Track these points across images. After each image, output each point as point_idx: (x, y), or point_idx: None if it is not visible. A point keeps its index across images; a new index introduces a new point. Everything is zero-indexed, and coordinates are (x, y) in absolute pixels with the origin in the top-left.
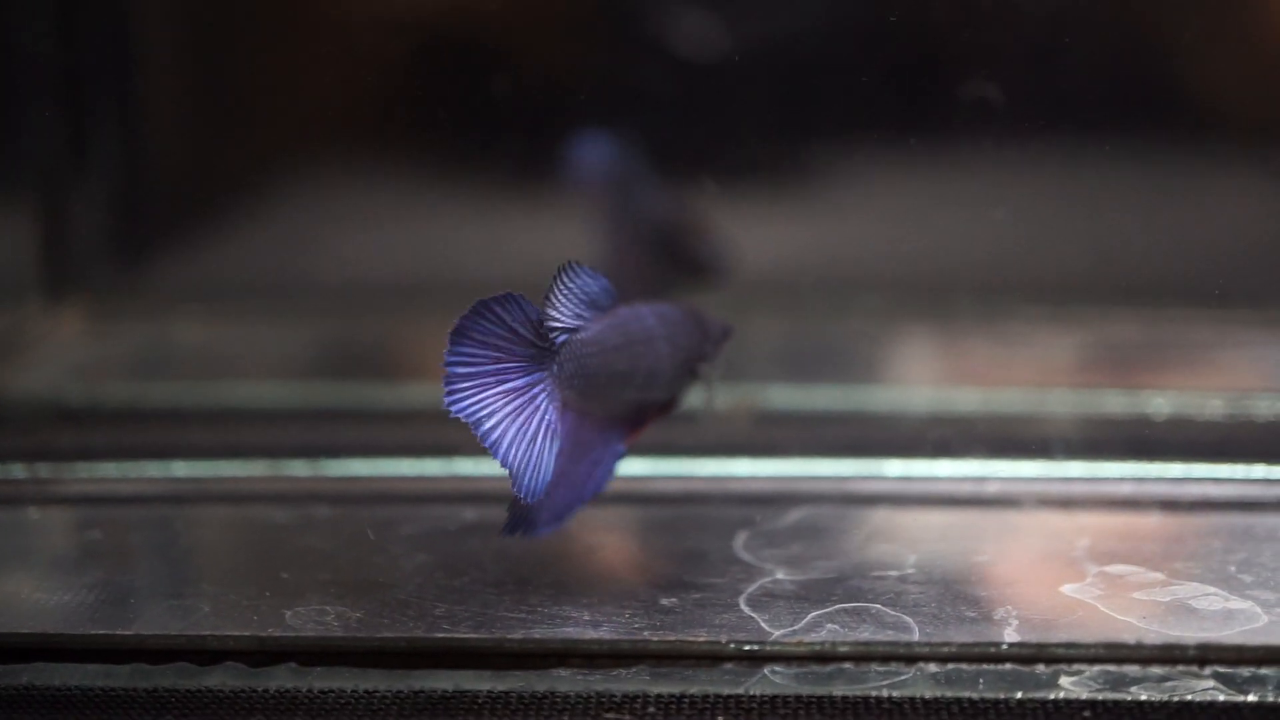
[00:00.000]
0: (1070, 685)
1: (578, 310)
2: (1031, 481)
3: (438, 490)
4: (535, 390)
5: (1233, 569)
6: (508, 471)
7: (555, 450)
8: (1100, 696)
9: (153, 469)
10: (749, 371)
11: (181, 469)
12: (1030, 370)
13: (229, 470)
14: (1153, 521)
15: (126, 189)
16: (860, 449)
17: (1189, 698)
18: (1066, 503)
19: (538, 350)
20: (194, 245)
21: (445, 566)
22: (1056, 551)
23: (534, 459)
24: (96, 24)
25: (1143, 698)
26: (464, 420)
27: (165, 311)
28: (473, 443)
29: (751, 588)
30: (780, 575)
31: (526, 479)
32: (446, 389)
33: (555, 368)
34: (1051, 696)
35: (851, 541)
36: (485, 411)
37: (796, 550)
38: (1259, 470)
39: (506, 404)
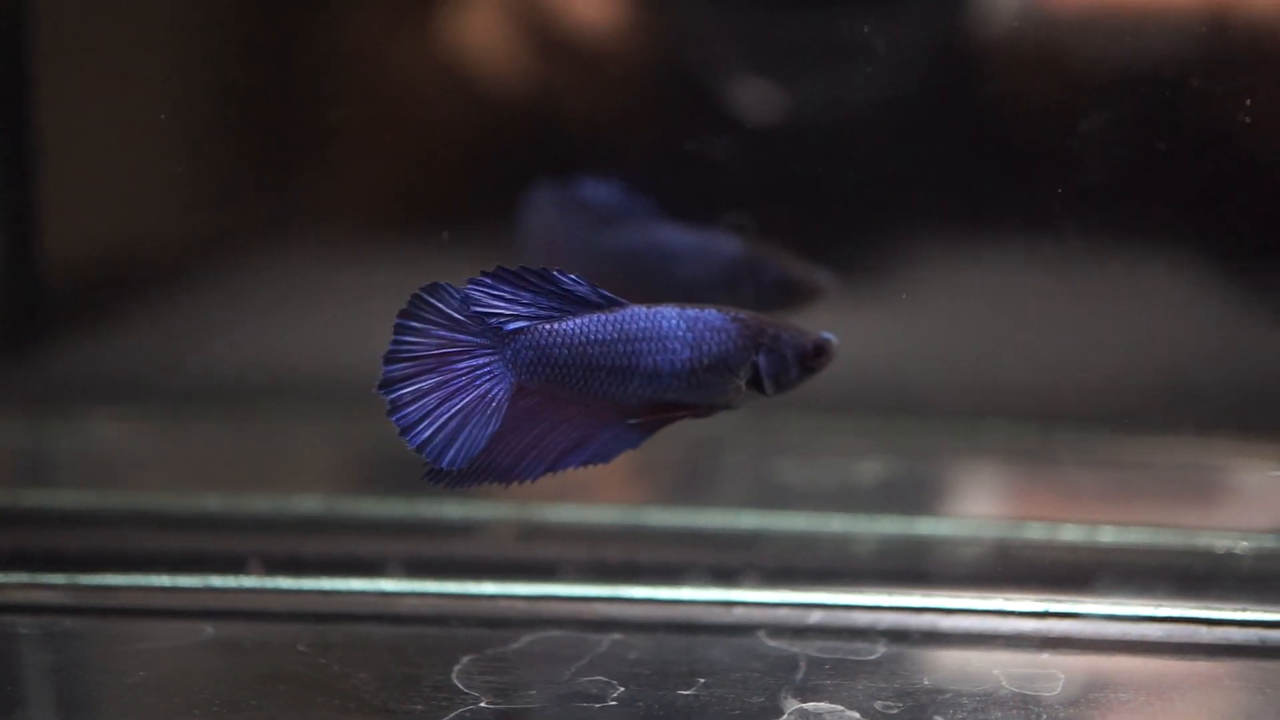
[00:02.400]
0: None
1: (546, 304)
2: (766, 607)
3: (191, 604)
4: (479, 373)
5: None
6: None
7: (490, 429)
8: None
9: None
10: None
11: None
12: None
13: None
14: (879, 652)
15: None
16: (606, 572)
17: None
18: (798, 631)
19: (486, 337)
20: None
21: (157, 688)
22: (767, 686)
23: (460, 435)
24: None
25: None
26: (387, 401)
27: None
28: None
29: (448, 717)
30: (483, 704)
31: (442, 451)
32: (383, 371)
33: (509, 353)
34: None
35: (569, 670)
36: (411, 390)
37: (511, 678)
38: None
39: (441, 385)
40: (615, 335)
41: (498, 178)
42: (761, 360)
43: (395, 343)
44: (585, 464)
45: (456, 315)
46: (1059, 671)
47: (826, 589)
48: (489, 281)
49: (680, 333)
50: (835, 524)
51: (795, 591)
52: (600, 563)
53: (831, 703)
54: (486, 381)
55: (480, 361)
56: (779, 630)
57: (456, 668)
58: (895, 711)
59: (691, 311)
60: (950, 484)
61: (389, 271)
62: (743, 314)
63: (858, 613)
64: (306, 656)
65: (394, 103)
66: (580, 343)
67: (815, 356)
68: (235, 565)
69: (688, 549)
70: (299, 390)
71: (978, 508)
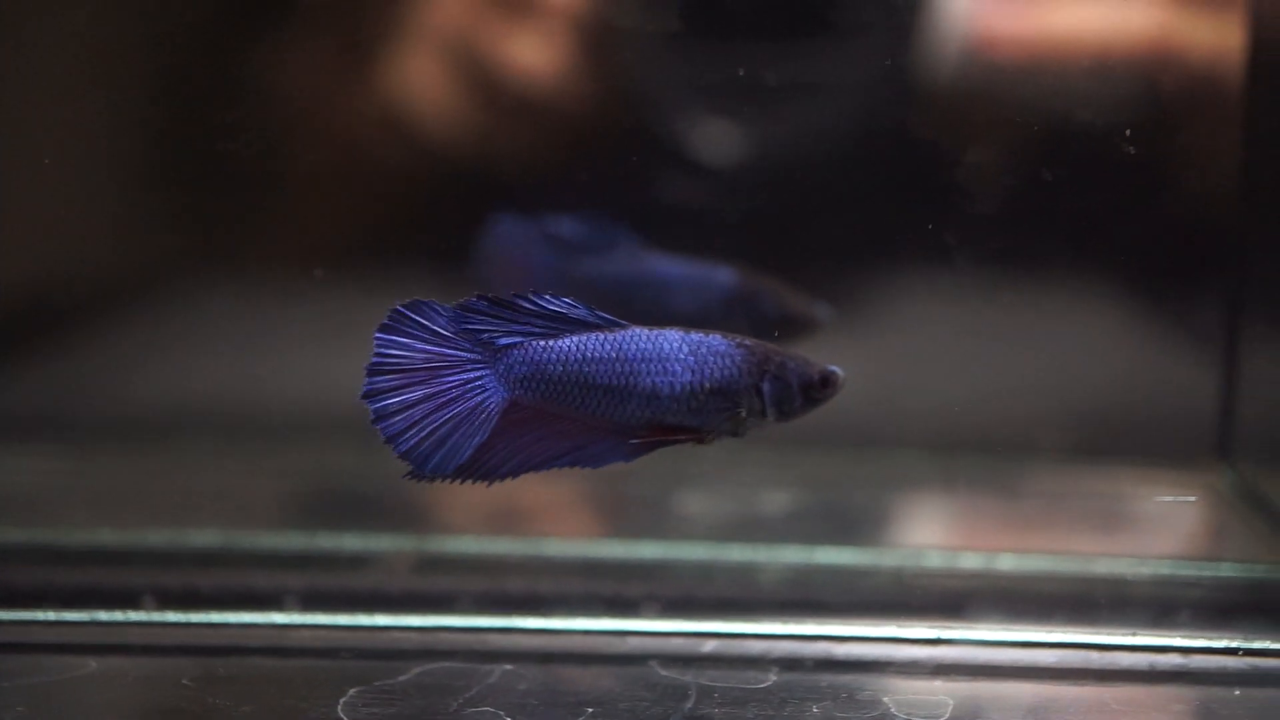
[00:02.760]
0: None
1: (541, 325)
2: (661, 637)
3: (77, 639)
4: (470, 386)
5: None
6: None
7: (477, 439)
8: None
9: None
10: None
11: None
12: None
13: None
14: (771, 681)
15: None
16: (502, 603)
17: None
18: (691, 661)
19: (477, 352)
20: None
21: None
22: (655, 715)
23: (446, 443)
24: None
25: None
26: (371, 410)
27: None
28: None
29: None
30: None
31: (426, 458)
32: (366, 382)
33: (502, 368)
34: None
35: (456, 701)
36: (397, 400)
37: (396, 710)
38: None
39: (429, 397)
40: (614, 354)
41: (423, 217)
42: (766, 387)
43: (378, 356)
44: (572, 466)
45: (443, 331)
46: (948, 698)
47: (722, 618)
48: (482, 306)
49: (682, 355)
50: (735, 554)
51: (690, 621)
52: (497, 594)
53: None
54: (478, 395)
55: (471, 375)
56: (672, 660)
57: (343, 700)
58: None
59: (696, 335)
60: (851, 514)
61: (303, 308)
62: (748, 341)
63: (752, 641)
64: (191, 690)
65: (320, 142)
66: (577, 360)
67: (821, 387)
68: (128, 600)
69: (586, 580)
70: (204, 425)
71: (877, 537)
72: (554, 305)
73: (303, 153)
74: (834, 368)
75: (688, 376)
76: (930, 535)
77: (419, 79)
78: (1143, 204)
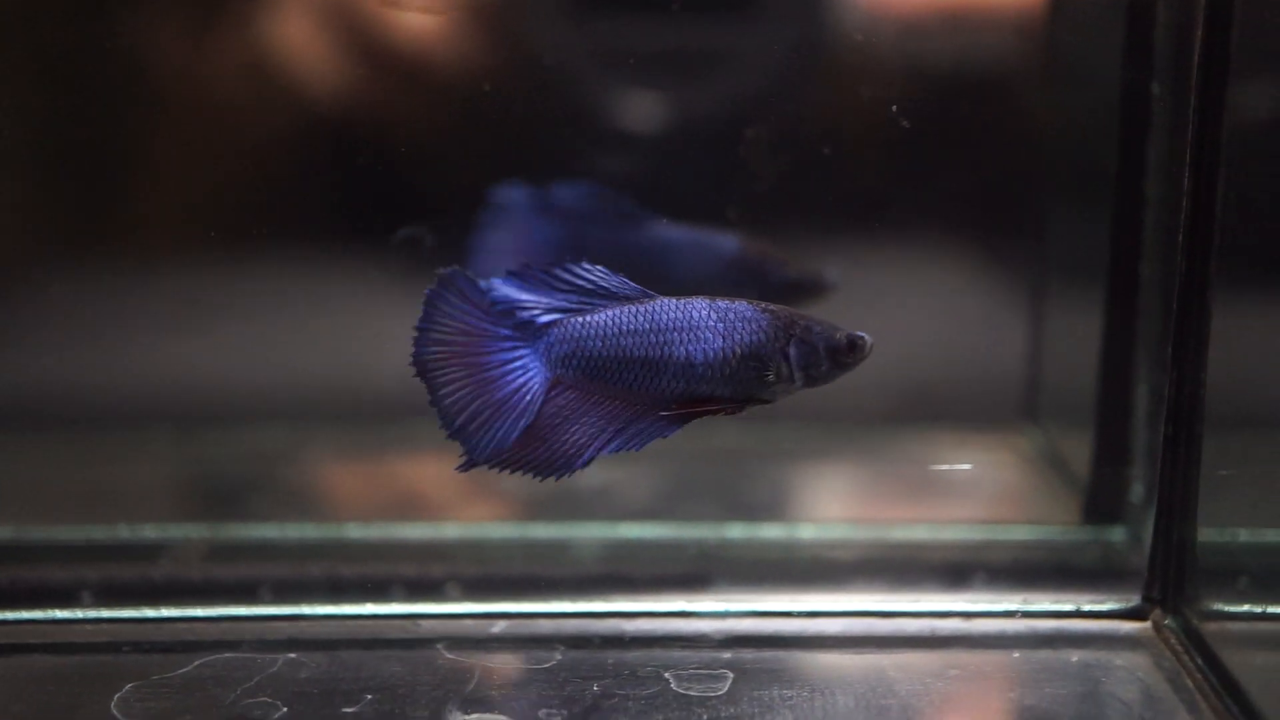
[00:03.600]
0: None
1: (571, 298)
2: (450, 619)
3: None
4: (512, 366)
5: None
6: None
7: (523, 423)
8: None
9: None
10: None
11: None
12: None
13: None
14: (555, 660)
15: None
16: (293, 590)
17: None
18: (479, 642)
19: (517, 329)
20: None
21: None
22: (434, 699)
23: (493, 427)
24: None
25: None
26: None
27: None
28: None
29: None
30: None
31: (475, 443)
32: (415, 350)
33: (543, 346)
34: None
35: (234, 693)
36: (446, 377)
37: (171, 704)
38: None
39: (471, 375)
40: (648, 326)
41: (324, 187)
42: (792, 351)
43: (424, 322)
44: (618, 450)
45: (482, 304)
46: (730, 671)
47: (513, 599)
48: (516, 282)
49: (712, 323)
50: (541, 532)
51: (482, 603)
52: (294, 580)
53: (497, 713)
54: (520, 375)
55: (512, 355)
56: (460, 642)
57: (117, 696)
58: (558, 718)
59: (722, 303)
60: (659, 488)
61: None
62: (774, 306)
63: (542, 621)
64: None
65: (211, 112)
66: (614, 334)
67: (848, 351)
68: None
69: (388, 564)
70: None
71: (685, 510)
72: (589, 275)
73: (162, 127)
74: (861, 333)
75: (719, 343)
76: (734, 508)
77: (296, 43)
78: (952, 171)
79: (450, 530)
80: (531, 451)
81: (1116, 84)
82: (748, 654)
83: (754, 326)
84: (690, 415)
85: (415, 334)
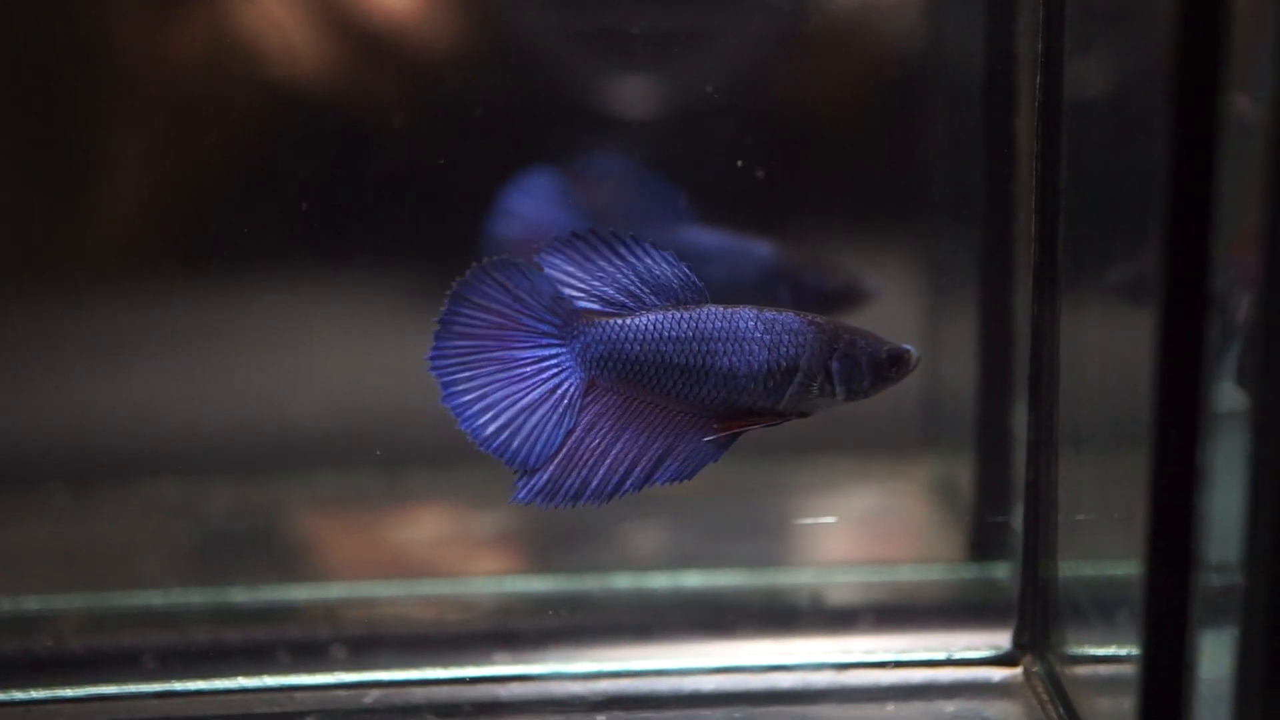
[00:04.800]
0: None
1: (634, 293)
2: (316, 690)
3: None
4: (545, 364)
5: None
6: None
7: (564, 426)
8: None
9: None
10: None
11: None
12: None
13: None
14: None
15: None
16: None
17: None
18: (348, 714)
19: (554, 325)
20: None
21: None
22: None
23: (529, 431)
24: None
25: None
26: (437, 379)
27: None
28: None
29: None
30: None
31: (512, 450)
32: (434, 345)
33: (578, 346)
34: None
35: None
36: (465, 374)
37: None
38: None
39: (498, 371)
40: (691, 333)
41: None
42: (835, 365)
43: (449, 313)
44: (669, 481)
45: (523, 295)
46: None
47: (385, 667)
48: (567, 253)
49: (758, 334)
50: (427, 589)
51: (353, 672)
52: (176, 650)
53: None
54: (554, 375)
55: (548, 354)
56: (331, 715)
57: None
58: None
59: (769, 314)
60: (554, 537)
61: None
62: (820, 318)
63: (414, 689)
64: None
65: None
66: (654, 339)
67: (891, 365)
68: None
69: (273, 628)
70: None
71: (567, 560)
72: (649, 256)
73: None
74: (907, 346)
75: (764, 355)
76: (621, 555)
77: (268, 22)
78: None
79: (335, 590)
80: (574, 476)
81: (981, 122)
82: (619, 715)
83: (799, 340)
84: (735, 435)
85: (436, 327)
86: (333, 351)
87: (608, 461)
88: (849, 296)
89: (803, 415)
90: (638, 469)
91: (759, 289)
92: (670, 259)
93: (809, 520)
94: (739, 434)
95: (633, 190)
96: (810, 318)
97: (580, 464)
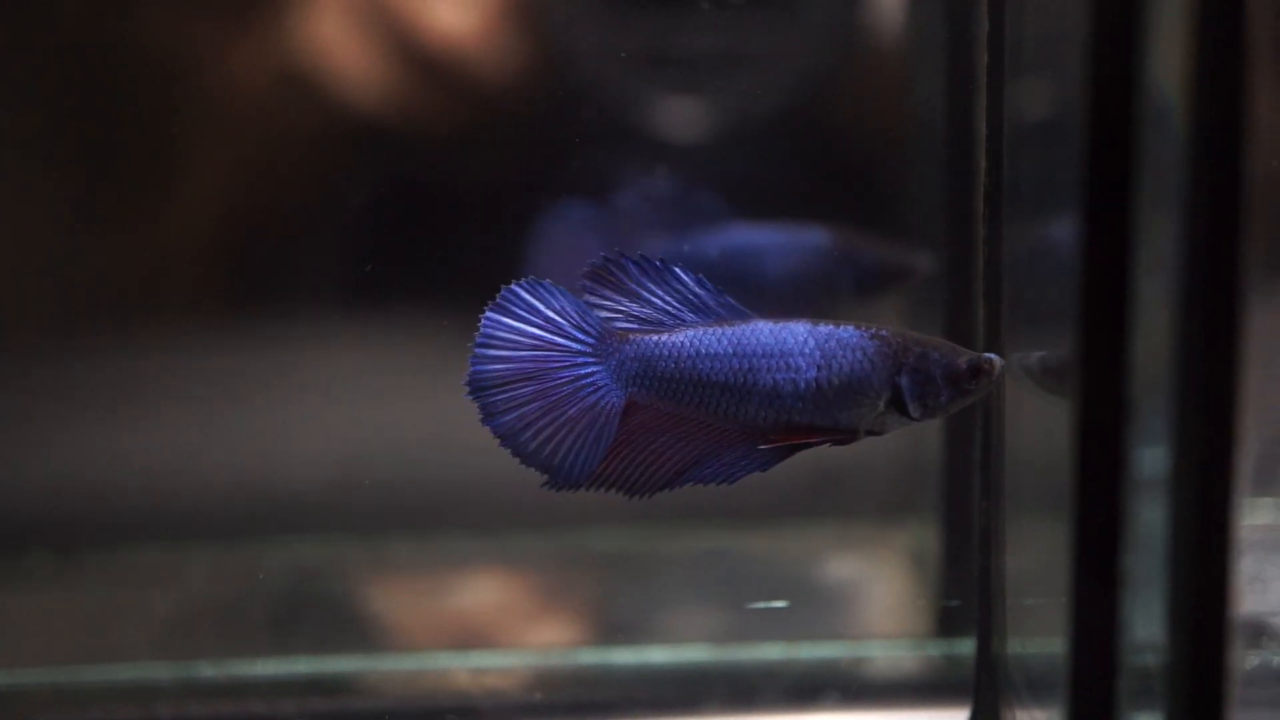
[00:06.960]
0: None
1: (668, 310)
2: None
3: None
4: (582, 383)
5: None
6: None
7: (605, 442)
8: None
9: None
10: None
11: None
12: None
13: None
14: None
15: None
16: None
17: None
18: None
19: (589, 343)
20: None
21: None
22: None
23: (571, 448)
24: None
25: None
26: (475, 403)
27: None
28: None
29: None
30: None
31: (557, 466)
32: (471, 367)
33: (614, 364)
34: None
35: None
36: (504, 396)
37: None
38: None
39: (541, 394)
40: (731, 350)
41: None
42: (904, 381)
43: (484, 339)
44: (708, 482)
45: (556, 318)
46: None
47: None
48: (600, 280)
49: (808, 350)
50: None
51: None
52: None
53: None
54: (592, 394)
55: (584, 372)
56: None
57: None
58: None
59: (825, 327)
60: (488, 602)
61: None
62: (885, 330)
63: None
64: None
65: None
66: (690, 356)
67: (971, 377)
68: None
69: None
70: None
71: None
72: (685, 280)
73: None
74: (990, 355)
75: (813, 373)
76: (585, 627)
77: (329, 44)
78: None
79: (301, 666)
80: (612, 468)
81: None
82: None
83: (857, 355)
84: (789, 450)
85: (472, 352)
86: (340, 405)
87: (645, 455)
88: (903, 272)
89: (874, 434)
90: (674, 468)
91: (820, 277)
92: (706, 283)
93: (760, 605)
94: (796, 449)
95: (676, 206)
96: (874, 330)
97: (620, 459)
